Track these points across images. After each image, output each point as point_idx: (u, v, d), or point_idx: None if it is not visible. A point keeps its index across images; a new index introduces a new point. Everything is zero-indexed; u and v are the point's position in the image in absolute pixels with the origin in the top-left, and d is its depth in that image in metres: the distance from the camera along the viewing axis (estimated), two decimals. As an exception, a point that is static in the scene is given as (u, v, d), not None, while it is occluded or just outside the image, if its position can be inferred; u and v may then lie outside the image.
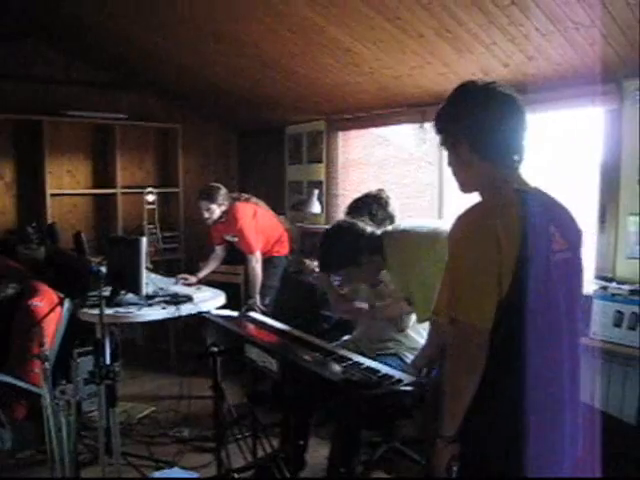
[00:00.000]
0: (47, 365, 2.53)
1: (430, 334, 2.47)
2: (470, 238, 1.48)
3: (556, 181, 3.62)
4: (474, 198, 1.63)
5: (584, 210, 3.42)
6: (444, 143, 1.65)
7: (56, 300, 3.45)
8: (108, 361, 2.62)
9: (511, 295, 1.43)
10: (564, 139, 3.61)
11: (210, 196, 4.40)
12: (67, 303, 3.51)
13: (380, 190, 3.13)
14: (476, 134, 1.55)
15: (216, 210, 4.42)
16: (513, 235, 1.44)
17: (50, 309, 3.15)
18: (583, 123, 3.52)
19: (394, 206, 3.05)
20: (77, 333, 3.67)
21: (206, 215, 4.45)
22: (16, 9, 4.41)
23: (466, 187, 1.65)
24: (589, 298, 3.13)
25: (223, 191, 4.46)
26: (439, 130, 1.66)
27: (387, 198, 3.05)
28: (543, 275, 1.48)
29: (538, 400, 1.48)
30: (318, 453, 3.28)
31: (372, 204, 3.01)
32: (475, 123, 1.55)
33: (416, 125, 4.52)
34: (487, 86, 1.59)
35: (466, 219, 1.52)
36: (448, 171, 1.71)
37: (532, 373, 1.46)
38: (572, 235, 1.61)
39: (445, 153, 1.69)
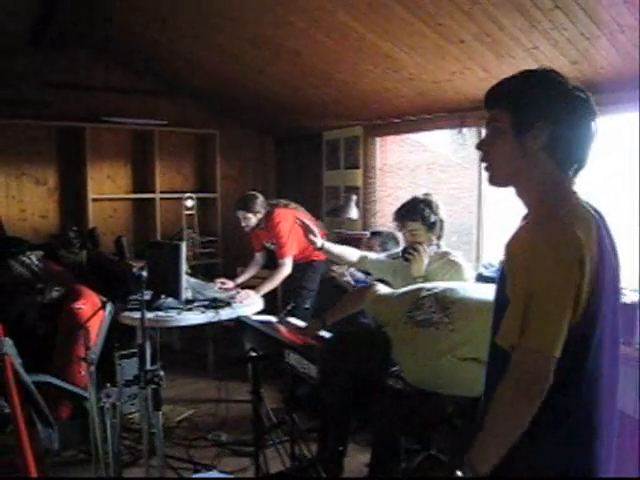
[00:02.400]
0: (93, 368, 2.58)
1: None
2: (552, 252, 1.29)
3: (597, 189, 3.56)
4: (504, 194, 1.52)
5: (625, 216, 3.34)
6: (499, 123, 1.45)
7: (99, 303, 3.51)
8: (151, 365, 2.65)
9: (583, 321, 1.31)
10: (608, 145, 3.54)
11: (246, 205, 4.44)
12: (109, 307, 3.57)
13: (427, 194, 3.12)
14: (561, 134, 1.39)
15: (252, 218, 4.46)
16: (593, 253, 1.31)
17: (93, 312, 3.21)
18: (628, 129, 3.44)
19: (443, 209, 3.05)
20: (116, 336, 3.73)
21: (243, 224, 4.49)
22: (59, 19, 4.51)
23: (504, 179, 1.49)
24: (633, 307, 3.06)
25: (259, 199, 4.48)
26: (504, 107, 1.44)
27: (436, 202, 3.05)
28: (612, 297, 1.38)
29: (597, 432, 1.39)
30: (355, 459, 3.27)
31: (424, 208, 3.00)
32: (565, 121, 1.40)
33: (454, 130, 4.49)
34: (576, 87, 1.43)
35: (545, 228, 1.34)
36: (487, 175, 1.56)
37: (595, 402, 1.37)
38: (617, 247, 1.49)
39: (477, 143, 1.54)
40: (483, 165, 1.51)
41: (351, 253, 3.30)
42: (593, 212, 1.42)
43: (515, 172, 1.45)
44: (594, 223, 1.37)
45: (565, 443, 1.36)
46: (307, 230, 3.23)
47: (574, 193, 1.43)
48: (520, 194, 1.47)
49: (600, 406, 1.39)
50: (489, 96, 1.48)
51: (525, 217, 1.47)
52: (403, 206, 3.09)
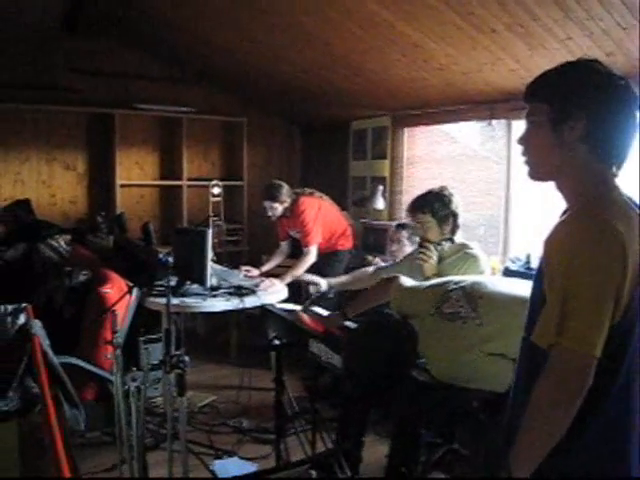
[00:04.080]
0: (119, 351, 2.62)
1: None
2: (592, 248, 1.24)
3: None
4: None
5: None
6: (538, 115, 1.40)
7: (125, 288, 3.55)
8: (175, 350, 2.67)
9: (623, 320, 1.25)
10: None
11: (272, 195, 4.45)
12: (135, 291, 3.61)
13: (442, 187, 3.10)
14: (598, 123, 1.33)
15: (279, 207, 4.48)
16: (636, 249, 1.25)
17: (120, 297, 3.25)
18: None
19: (457, 203, 3.02)
20: (142, 321, 3.76)
21: (269, 213, 4.52)
22: (92, 7, 4.55)
23: (543, 173, 1.43)
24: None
25: (285, 189, 4.49)
26: (542, 99, 1.39)
27: (450, 195, 3.02)
28: None
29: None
30: (375, 450, 3.26)
31: (434, 202, 2.98)
32: (602, 110, 1.33)
33: (483, 122, 4.44)
34: (612, 72, 1.36)
35: (585, 223, 1.29)
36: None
37: (630, 405, 1.33)
38: None
39: (517, 137, 1.47)
40: (523, 160, 1.46)
41: (362, 275, 3.34)
42: (636, 208, 1.37)
43: (554, 166, 1.40)
44: (637, 219, 1.32)
45: (597, 446, 1.32)
46: (309, 282, 3.29)
47: (616, 188, 1.37)
48: (560, 188, 1.42)
49: (635, 408, 1.35)
50: (528, 89, 1.44)
51: (564, 212, 1.42)
52: (416, 199, 3.09)
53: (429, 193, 3.06)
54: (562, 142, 1.36)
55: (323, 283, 3.30)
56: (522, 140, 1.45)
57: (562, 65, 1.40)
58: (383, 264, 3.43)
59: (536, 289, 1.40)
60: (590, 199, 1.34)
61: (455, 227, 3.02)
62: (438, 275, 2.89)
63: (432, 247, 2.96)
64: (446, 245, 2.99)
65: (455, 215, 3.01)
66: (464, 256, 2.93)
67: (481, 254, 2.97)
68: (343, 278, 3.44)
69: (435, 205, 2.97)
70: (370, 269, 3.33)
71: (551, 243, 1.34)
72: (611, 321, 1.24)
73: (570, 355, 1.25)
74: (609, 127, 1.34)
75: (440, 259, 2.98)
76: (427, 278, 2.92)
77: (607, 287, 1.24)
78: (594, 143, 1.34)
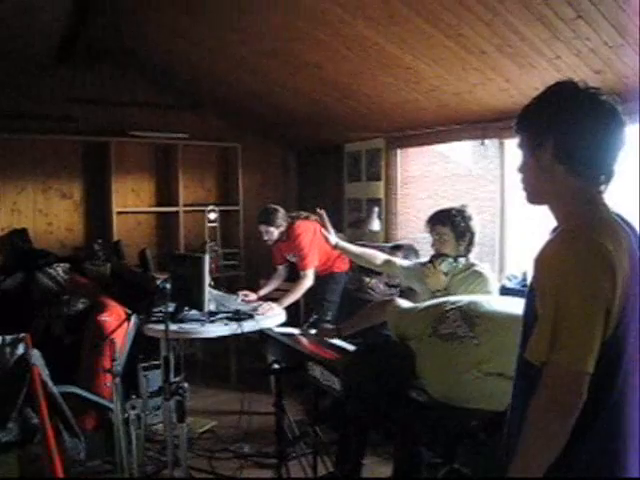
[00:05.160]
0: (118, 380, 2.61)
1: None
2: (581, 266, 1.26)
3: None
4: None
5: None
6: (523, 144, 1.46)
7: (123, 315, 3.54)
8: (175, 377, 2.67)
9: (615, 336, 1.28)
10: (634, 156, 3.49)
11: (268, 219, 4.46)
12: (134, 318, 3.60)
13: (464, 205, 3.15)
14: (566, 142, 1.36)
15: (275, 232, 4.48)
16: (624, 266, 1.28)
17: (118, 324, 3.24)
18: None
19: (476, 223, 3.05)
20: (141, 348, 3.75)
21: (265, 237, 4.52)
22: (86, 36, 4.60)
23: (536, 198, 1.47)
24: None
25: (281, 213, 4.51)
26: (522, 128, 1.46)
27: (471, 214, 3.07)
28: None
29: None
30: (376, 472, 3.24)
31: (456, 216, 3.01)
32: (569, 129, 1.36)
33: (476, 142, 4.48)
34: (588, 90, 1.38)
35: (574, 241, 1.31)
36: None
37: (625, 419, 1.34)
38: None
39: (513, 162, 1.55)
40: (521, 186, 1.51)
41: (373, 255, 3.33)
42: (624, 224, 1.39)
43: (542, 189, 1.45)
44: (625, 236, 1.35)
45: (592, 462, 1.33)
46: (323, 225, 3.31)
47: (603, 205, 1.40)
48: (551, 209, 1.47)
49: (631, 423, 1.35)
50: (515, 122, 1.49)
51: (554, 230, 1.45)
52: (437, 211, 3.12)
53: (452, 208, 3.10)
54: (541, 165, 1.41)
55: (332, 238, 3.31)
56: (518, 169, 1.50)
57: (544, 92, 1.45)
58: (397, 259, 3.42)
59: (528, 307, 1.43)
60: (578, 218, 1.37)
61: (470, 245, 3.05)
62: (447, 290, 2.91)
63: (440, 263, 2.98)
64: (461, 262, 3.01)
65: (472, 234, 3.04)
66: (474, 274, 2.95)
67: (490, 275, 2.99)
68: (353, 247, 3.44)
69: (456, 219, 3.00)
70: (382, 256, 3.33)
71: (541, 262, 1.36)
72: (602, 337, 1.26)
73: (562, 372, 1.27)
74: (578, 144, 1.37)
75: (452, 275, 2.99)
76: (433, 292, 2.94)
77: (597, 304, 1.26)
78: (568, 161, 1.37)
